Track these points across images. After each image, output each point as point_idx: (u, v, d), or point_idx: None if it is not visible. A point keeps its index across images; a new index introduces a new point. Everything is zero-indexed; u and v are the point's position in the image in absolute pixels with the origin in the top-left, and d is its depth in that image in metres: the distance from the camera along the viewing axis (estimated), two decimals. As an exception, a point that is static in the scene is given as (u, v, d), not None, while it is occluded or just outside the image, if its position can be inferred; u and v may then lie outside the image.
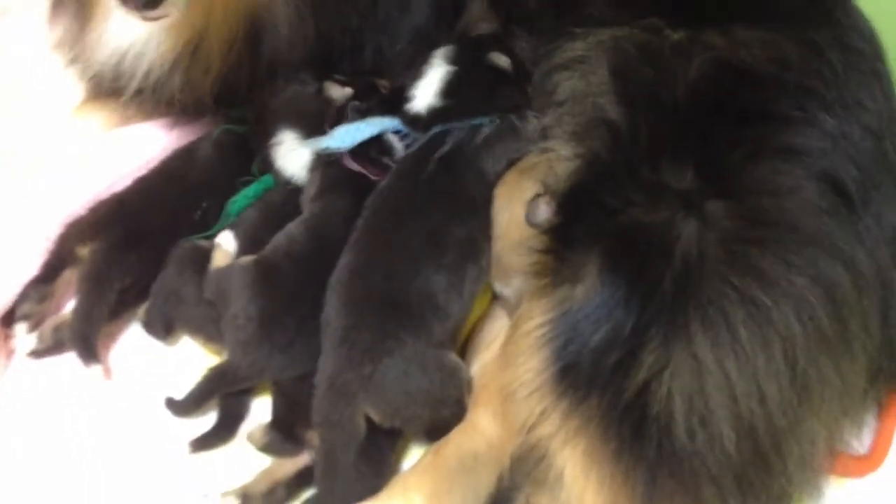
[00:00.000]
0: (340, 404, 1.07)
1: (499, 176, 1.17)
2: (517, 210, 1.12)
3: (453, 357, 1.12)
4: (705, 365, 0.96)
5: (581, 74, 1.14)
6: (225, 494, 1.12)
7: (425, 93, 1.22)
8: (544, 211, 1.09)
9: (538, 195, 1.10)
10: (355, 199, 1.20)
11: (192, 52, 1.28)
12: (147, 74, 1.29)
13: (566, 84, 1.15)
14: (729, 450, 0.95)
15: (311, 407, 1.10)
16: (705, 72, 1.07)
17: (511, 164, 1.18)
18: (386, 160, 1.23)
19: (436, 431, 1.11)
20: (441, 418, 1.11)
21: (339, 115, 1.27)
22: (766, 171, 1.03)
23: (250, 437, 1.17)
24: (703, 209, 1.00)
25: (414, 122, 1.22)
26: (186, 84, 1.30)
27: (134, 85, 1.30)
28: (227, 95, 1.34)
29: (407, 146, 1.23)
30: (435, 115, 1.21)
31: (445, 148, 1.17)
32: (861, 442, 1.12)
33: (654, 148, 1.05)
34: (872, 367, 1.04)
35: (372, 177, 1.22)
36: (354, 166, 1.22)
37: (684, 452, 0.95)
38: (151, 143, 1.36)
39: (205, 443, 1.17)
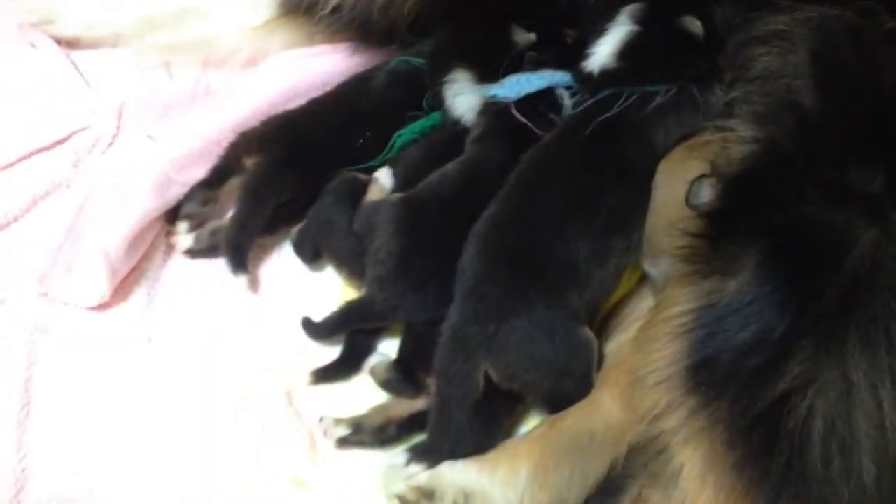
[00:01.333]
0: (460, 358, 1.08)
1: (668, 149, 1.14)
2: (678, 188, 1.08)
3: (586, 331, 1.11)
4: (856, 388, 0.91)
5: (779, 51, 1.07)
6: (339, 421, 1.17)
7: (601, 52, 1.20)
8: (707, 193, 1.05)
9: (704, 175, 1.06)
10: (514, 150, 1.20)
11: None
12: (349, -9, 1.32)
13: (761, 59, 1.09)
14: (866, 483, 0.90)
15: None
16: None
17: (685, 138, 1.14)
18: (552, 115, 1.22)
19: (557, 403, 1.12)
20: (563, 390, 1.11)
21: (517, 62, 1.26)
22: (966, 188, 0.95)
23: (372, 372, 1.21)
24: (887, 218, 0.94)
25: (585, 81, 1.21)
26: (386, 6, 1.34)
27: (333, 1, 1.35)
28: (422, 22, 1.36)
29: (575, 104, 1.21)
30: (606, 77, 1.19)
31: (611, 112, 1.14)
32: None
33: (845, 144, 0.99)
34: None
35: (536, 130, 1.21)
36: (520, 117, 1.22)
37: (816, 477, 0.92)
38: (330, 65, 1.41)
39: (328, 374, 1.22)
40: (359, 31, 1.39)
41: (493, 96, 1.24)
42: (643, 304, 1.16)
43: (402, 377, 1.18)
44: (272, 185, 1.30)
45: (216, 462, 1.16)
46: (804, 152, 1.00)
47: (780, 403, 0.93)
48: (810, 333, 0.93)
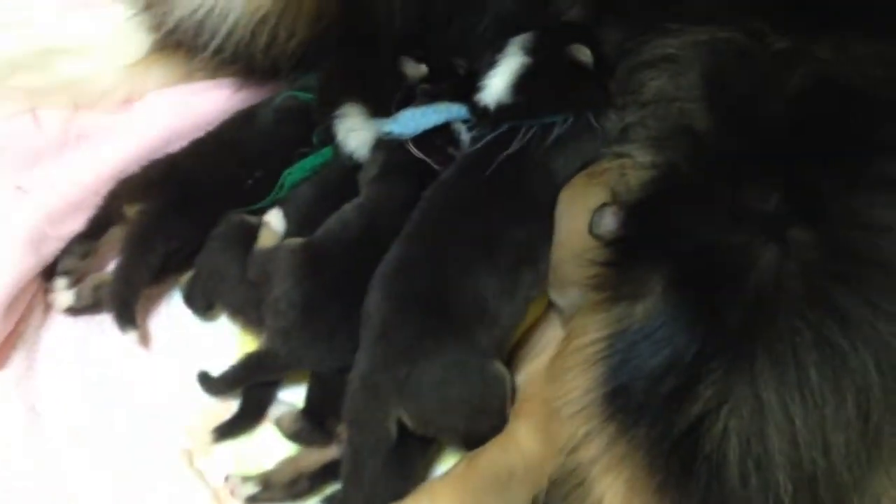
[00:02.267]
0: (372, 405, 1.08)
1: (568, 178, 1.17)
2: (580, 217, 1.11)
3: (498, 366, 1.12)
4: (768, 406, 0.94)
5: (671, 75, 1.11)
6: (246, 479, 1.15)
7: (495, 86, 1.21)
8: (610, 222, 1.08)
9: (605, 204, 1.09)
10: (415, 188, 1.21)
11: (280, 12, 1.30)
12: (230, 33, 1.30)
13: (652, 84, 1.13)
14: (784, 500, 0.93)
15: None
16: (807, 88, 1.04)
17: (584, 166, 1.17)
18: (451, 150, 1.23)
19: (472, 441, 1.12)
20: (479, 428, 1.11)
21: (409, 95, 1.27)
22: (861, 202, 0.99)
23: (279, 423, 1.20)
24: (785, 236, 0.98)
25: (482, 115, 1.22)
26: (269, 46, 1.32)
27: (215, 43, 1.32)
28: (307, 61, 1.35)
29: (474, 138, 1.23)
30: (503, 112, 1.21)
31: (512, 148, 1.17)
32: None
33: (741, 165, 1.03)
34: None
35: (435, 165, 1.22)
36: (418, 153, 1.23)
37: (734, 496, 0.94)
38: (213, 104, 1.39)
39: (229, 430, 1.20)
40: (242, 69, 1.37)
41: (389, 133, 1.24)
42: (551, 333, 1.18)
43: (311, 427, 1.17)
44: (159, 234, 1.27)
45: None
46: (700, 175, 1.04)
47: (696, 426, 0.95)
48: (719, 355, 0.96)
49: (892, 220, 0.99)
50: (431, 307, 1.11)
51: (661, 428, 0.97)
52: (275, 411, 1.22)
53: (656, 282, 1.00)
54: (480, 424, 1.11)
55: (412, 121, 1.24)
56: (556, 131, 1.18)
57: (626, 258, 1.03)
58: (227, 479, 1.16)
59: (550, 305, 1.19)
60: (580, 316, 1.06)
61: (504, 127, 1.20)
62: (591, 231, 1.09)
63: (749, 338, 0.96)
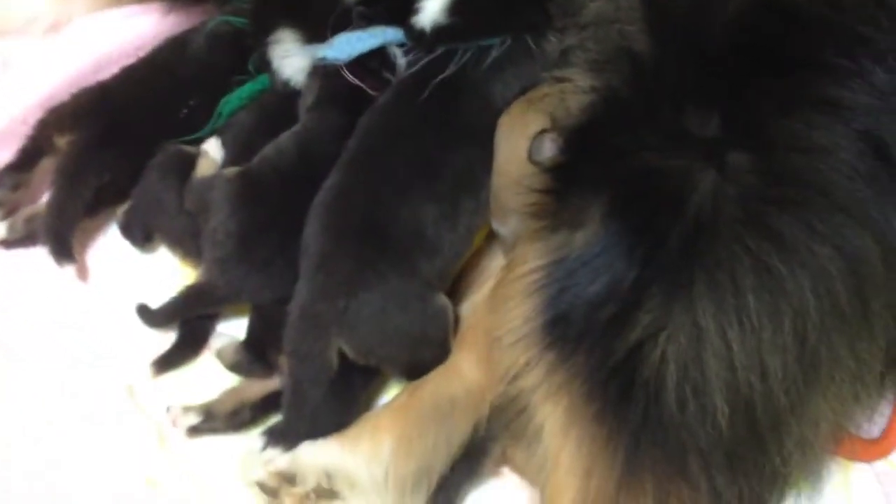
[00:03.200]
0: (311, 336, 1.06)
1: (508, 103, 1.13)
2: (520, 144, 1.08)
3: (440, 298, 1.10)
4: (705, 331, 0.94)
5: (610, -4, 1.08)
6: (187, 409, 1.13)
7: (431, 7, 1.16)
8: (549, 148, 1.05)
9: (544, 130, 1.06)
10: (351, 115, 1.17)
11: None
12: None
13: (592, 5, 1.09)
14: (721, 423, 0.93)
15: (284, 333, 1.09)
16: (746, 8, 1.01)
17: (523, 91, 1.13)
18: (386, 75, 1.19)
19: (414, 371, 1.11)
20: (422, 359, 1.10)
21: (344, 19, 1.21)
22: (800, 124, 0.97)
23: (219, 354, 1.17)
24: (724, 161, 0.96)
25: (418, 38, 1.17)
26: None
27: None
28: None
29: (410, 62, 1.18)
30: (439, 35, 1.16)
31: (448, 71, 1.12)
32: (873, 426, 1.10)
33: (680, 88, 1.00)
34: (893, 351, 1.00)
35: (370, 91, 1.18)
36: (352, 79, 1.18)
37: (672, 421, 0.94)
38: (143, 28, 1.34)
39: (167, 362, 1.17)
40: None
41: (323, 59, 1.19)
42: (493, 263, 1.16)
43: (252, 358, 1.15)
44: (90, 165, 1.23)
45: (65, 469, 1.11)
46: (640, 99, 1.01)
47: (634, 353, 0.95)
48: (658, 281, 0.95)
49: (830, 141, 0.98)
50: (370, 237, 1.08)
51: (599, 355, 0.96)
52: (216, 343, 1.19)
53: (596, 208, 0.98)
54: (422, 355, 1.10)
55: (347, 45, 1.19)
56: (494, 54, 1.14)
57: (566, 185, 1.01)
58: (168, 409, 1.14)
59: (492, 235, 1.16)
60: (520, 245, 1.04)
61: (440, 50, 1.15)
62: (530, 158, 1.06)
63: (688, 264, 0.95)
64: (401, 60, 1.20)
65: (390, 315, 1.06)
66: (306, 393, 1.06)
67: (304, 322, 1.07)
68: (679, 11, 1.04)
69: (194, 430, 1.13)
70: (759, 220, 0.95)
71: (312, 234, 1.10)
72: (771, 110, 0.99)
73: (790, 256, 0.94)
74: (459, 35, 1.15)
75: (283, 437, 1.07)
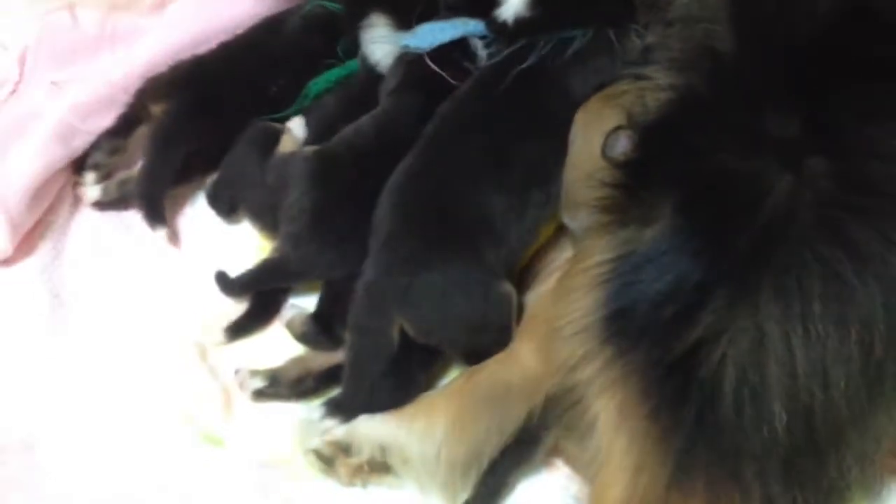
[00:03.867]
0: (374, 312, 1.07)
1: (586, 97, 1.12)
2: (595, 139, 1.07)
3: (504, 285, 1.10)
4: (769, 337, 0.91)
5: (697, -7, 1.07)
6: (255, 373, 1.15)
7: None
8: (624, 144, 1.04)
9: (620, 127, 1.05)
10: (430, 101, 1.18)
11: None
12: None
13: (679, 3, 1.07)
14: (778, 430, 0.91)
15: (351, 307, 1.11)
16: (833, 11, 0.99)
17: (602, 86, 1.13)
18: (467, 65, 1.19)
19: (474, 356, 1.11)
20: (481, 344, 1.10)
21: (431, 9, 1.23)
22: (881, 132, 0.95)
23: (289, 324, 1.20)
24: (802, 164, 0.94)
25: (500, 31, 1.17)
26: None
27: None
28: None
29: (491, 54, 1.19)
30: (521, 27, 1.16)
31: (528, 63, 1.12)
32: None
33: (761, 90, 0.98)
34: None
35: (451, 80, 1.18)
36: (434, 67, 1.18)
37: (728, 424, 0.92)
38: (242, 7, 1.36)
39: (239, 328, 1.20)
40: None
41: (406, 46, 1.21)
42: (562, 255, 1.15)
43: (318, 330, 1.16)
44: (182, 134, 1.27)
45: (132, 420, 1.14)
46: (719, 98, 0.99)
47: (693, 352, 0.93)
48: (724, 283, 0.93)
49: None
50: (436, 220, 1.09)
51: (658, 352, 0.95)
52: (286, 313, 1.22)
53: (667, 206, 0.97)
54: (482, 340, 1.10)
55: (430, 35, 1.20)
56: (574, 47, 1.13)
57: (638, 181, 1.00)
58: (236, 372, 1.17)
59: (563, 228, 1.16)
60: (588, 238, 1.03)
61: (521, 42, 1.15)
62: (603, 153, 1.06)
63: (756, 267, 0.93)
64: (481, 52, 1.20)
65: (451, 298, 1.07)
66: (366, 367, 1.08)
67: (368, 298, 1.08)
68: (766, 12, 1.02)
69: (259, 394, 1.15)
70: (833, 227, 0.92)
71: (383, 213, 1.11)
72: (852, 116, 0.96)
73: (862, 266, 0.91)
74: (541, 27, 1.15)
75: (341, 409, 1.09)
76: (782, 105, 0.97)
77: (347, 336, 1.11)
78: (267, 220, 1.24)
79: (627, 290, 0.97)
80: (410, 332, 1.08)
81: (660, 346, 0.95)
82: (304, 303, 1.22)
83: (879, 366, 0.92)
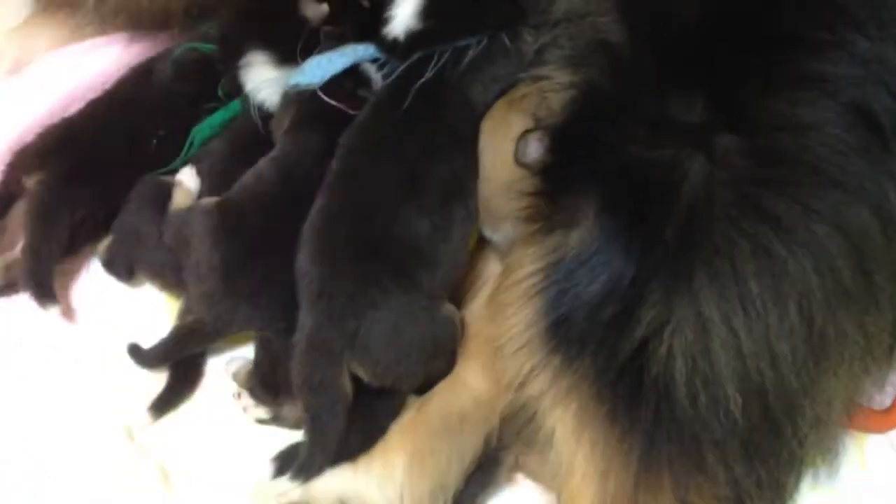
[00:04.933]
0: (322, 364, 1.03)
1: (488, 106, 1.10)
2: (504, 147, 1.05)
3: (447, 307, 1.08)
4: (711, 322, 0.92)
5: (579, -11, 1.05)
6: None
7: (403, 14, 1.12)
8: (535, 149, 1.02)
9: (528, 131, 1.03)
10: (330, 136, 1.13)
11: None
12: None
13: (562, 1, 1.06)
14: (735, 414, 0.92)
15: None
16: None
17: (503, 92, 1.10)
18: (363, 93, 1.15)
19: (425, 384, 1.08)
20: (436, 372, 1.07)
21: (313, 40, 1.17)
22: (785, 102, 0.96)
23: (235, 377, 1.15)
24: (712, 145, 0.94)
25: (391, 48, 1.14)
26: None
27: None
28: (199, 7, 1.26)
29: (385, 76, 1.15)
30: (414, 41, 1.12)
31: (425, 78, 1.09)
32: (885, 396, 1.09)
33: (660, 76, 0.98)
34: (900, 321, 0.99)
35: (349, 111, 1.14)
36: (329, 101, 1.14)
37: (685, 416, 0.92)
38: (107, 60, 1.30)
39: (163, 404, 1.14)
40: (131, 19, 1.27)
41: (296, 84, 1.16)
42: (489, 268, 1.13)
43: (262, 387, 1.11)
44: (61, 204, 1.19)
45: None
46: (621, 90, 0.99)
47: (641, 351, 0.93)
48: (657, 275, 0.93)
49: (817, 116, 0.96)
50: (365, 256, 1.05)
51: (606, 356, 0.94)
52: (230, 366, 1.16)
53: (588, 207, 0.96)
54: (437, 366, 1.07)
55: (318, 69, 1.15)
56: (470, 56, 1.10)
57: (556, 186, 0.99)
58: (238, 395, 1.12)
59: (485, 240, 1.13)
60: (515, 249, 1.02)
61: (415, 56, 1.11)
62: (516, 160, 1.04)
63: (686, 254, 0.93)
64: (375, 76, 1.16)
65: (402, 330, 1.04)
66: (326, 425, 1.03)
67: (313, 351, 1.04)
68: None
69: (261, 422, 1.11)
70: (754, 203, 0.93)
71: (306, 260, 1.06)
72: (754, 90, 0.96)
73: (789, 238, 0.92)
74: (434, 39, 1.11)
75: (305, 471, 1.03)
76: (683, 88, 0.97)
77: (298, 395, 1.06)
78: (168, 279, 1.18)
79: (563, 298, 0.96)
80: (365, 376, 1.04)
81: (606, 348, 0.94)
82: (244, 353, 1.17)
83: (821, 333, 0.93)
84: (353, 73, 1.16)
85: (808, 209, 0.93)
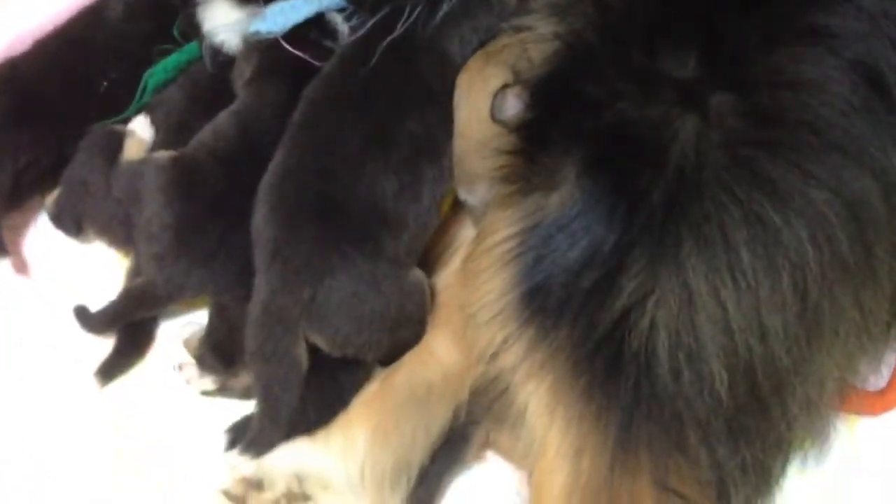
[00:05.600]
0: (276, 333, 0.96)
1: (466, 59, 1.02)
2: (481, 103, 0.98)
3: (415, 273, 1.02)
4: (697, 293, 0.86)
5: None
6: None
7: (372, -40, 1.05)
8: (513, 105, 0.95)
9: (506, 85, 0.96)
10: (293, 89, 1.05)
11: None
12: None
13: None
14: (719, 392, 0.86)
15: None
16: None
17: (483, 43, 1.02)
18: (328, 44, 1.07)
19: (391, 354, 1.02)
20: (400, 340, 1.01)
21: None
22: (785, 57, 0.89)
23: (186, 344, 1.09)
24: (705, 103, 0.87)
25: (360, 0, 1.05)
26: None
27: None
28: None
29: (354, 27, 1.06)
30: (384, -8, 1.05)
31: (396, 32, 1.01)
32: (879, 378, 1.03)
33: (650, 27, 0.91)
34: (899, 297, 0.94)
35: (313, 62, 1.06)
36: (292, 51, 1.06)
37: (666, 393, 0.86)
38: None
39: (109, 371, 1.07)
40: None
41: (256, 32, 1.07)
42: (463, 233, 1.07)
43: (213, 356, 1.05)
44: (3, 148, 1.10)
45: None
46: (608, 42, 0.92)
47: (621, 322, 0.87)
48: (642, 242, 0.87)
49: (819, 73, 0.89)
50: (325, 217, 0.98)
51: (583, 327, 0.88)
52: (183, 331, 1.10)
53: (569, 167, 0.90)
54: (402, 336, 1.01)
55: (281, 16, 1.07)
56: (445, 7, 1.02)
57: (535, 144, 0.93)
58: (180, 367, 1.07)
59: (460, 203, 1.06)
60: (490, 213, 0.95)
61: (386, 9, 1.03)
62: (493, 117, 0.97)
63: (673, 220, 0.87)
64: (342, 27, 1.08)
65: (363, 298, 0.97)
66: (279, 397, 0.97)
67: (267, 319, 0.97)
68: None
69: (206, 394, 1.06)
70: (748, 167, 0.87)
71: (262, 220, 0.99)
72: (752, 44, 0.90)
73: (784, 204, 0.86)
74: None
75: (255, 446, 0.97)
76: (675, 41, 0.90)
77: (249, 365, 0.99)
78: (118, 236, 1.11)
79: (540, 264, 0.90)
80: (324, 346, 0.98)
81: (584, 319, 0.88)
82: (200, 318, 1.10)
83: (816, 307, 0.87)
84: (318, 23, 1.07)
85: (806, 174, 0.86)
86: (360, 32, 1.05)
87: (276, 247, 0.97)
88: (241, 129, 1.06)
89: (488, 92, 0.97)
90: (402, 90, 1.02)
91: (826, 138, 0.87)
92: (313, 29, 1.07)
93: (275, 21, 1.07)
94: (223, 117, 1.07)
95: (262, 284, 0.98)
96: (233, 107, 1.08)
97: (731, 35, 0.89)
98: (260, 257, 0.98)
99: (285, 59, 1.07)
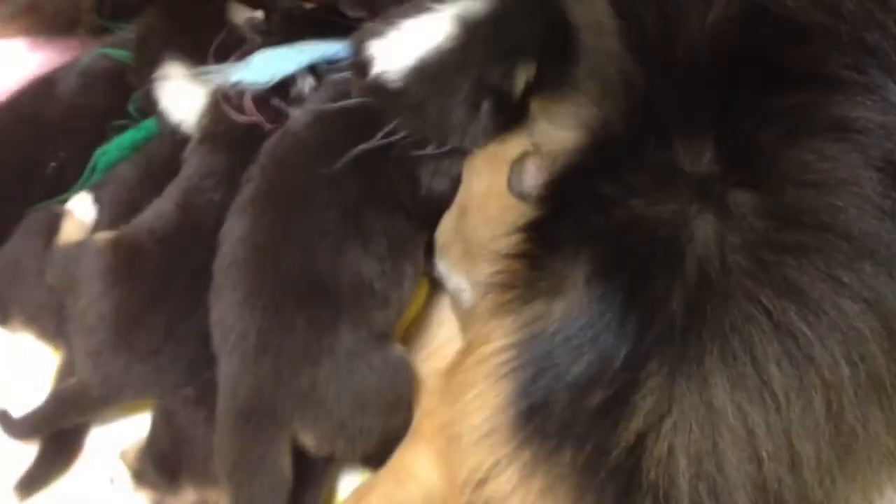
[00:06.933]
0: (263, 438, 0.80)
1: (439, 193, 0.89)
2: (500, 172, 0.83)
3: (398, 348, 0.87)
4: (722, 415, 0.72)
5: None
6: None
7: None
8: (534, 176, 0.81)
9: (527, 153, 0.82)
10: (233, 156, 0.91)
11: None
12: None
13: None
14: (746, 530, 0.71)
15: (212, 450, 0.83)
16: (730, 15, 0.80)
17: (456, 183, 0.89)
18: (280, 105, 0.92)
19: (380, 450, 0.87)
20: (394, 426, 0.87)
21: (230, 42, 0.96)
22: (809, 153, 0.76)
23: (123, 456, 0.91)
24: (724, 201, 0.75)
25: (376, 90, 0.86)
26: None
27: None
28: (116, 6, 1.06)
29: (315, 89, 0.92)
30: (390, 98, 0.86)
31: (370, 144, 0.85)
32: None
33: (665, 117, 0.78)
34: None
35: (266, 125, 0.91)
36: (252, 111, 0.91)
37: (686, 532, 0.71)
38: (5, 69, 1.06)
39: (32, 482, 0.90)
40: (32, 21, 1.04)
41: (239, 82, 0.91)
42: (443, 331, 0.92)
43: (156, 471, 0.87)
44: None
45: None
46: (623, 134, 0.79)
47: (635, 448, 0.72)
48: (658, 355, 0.73)
49: (847, 172, 0.76)
50: (317, 295, 0.83)
51: (591, 452, 0.73)
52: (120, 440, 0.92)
53: (578, 271, 0.75)
54: (394, 424, 0.87)
55: (268, 65, 0.91)
56: (429, 149, 0.88)
57: (541, 245, 0.78)
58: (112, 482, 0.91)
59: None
60: (483, 319, 0.79)
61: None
62: (511, 189, 0.82)
63: (693, 331, 0.73)
64: (306, 89, 0.93)
65: (358, 375, 0.83)
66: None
67: (246, 424, 0.81)
68: (653, 26, 0.81)
69: None
70: (774, 273, 0.73)
71: (231, 308, 0.83)
72: (773, 138, 0.77)
73: (815, 317, 0.72)
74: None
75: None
76: (690, 133, 0.77)
77: (226, 482, 0.82)
78: (48, 327, 0.95)
79: (541, 379, 0.75)
80: (312, 443, 0.83)
81: (591, 443, 0.73)
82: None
83: (850, 432, 0.73)
84: (282, 84, 0.91)
85: (837, 283, 0.73)
86: (349, 105, 0.88)
87: (264, 339, 0.82)
88: (183, 205, 0.91)
89: (507, 161, 0.83)
90: (374, 191, 0.87)
91: (856, 243, 0.74)
92: (276, 90, 0.92)
93: (262, 70, 0.90)
94: (167, 191, 0.93)
95: (239, 387, 0.82)
96: (176, 180, 0.94)
97: (748, 127, 0.77)
98: (232, 354, 0.82)
99: (228, 122, 0.93)
